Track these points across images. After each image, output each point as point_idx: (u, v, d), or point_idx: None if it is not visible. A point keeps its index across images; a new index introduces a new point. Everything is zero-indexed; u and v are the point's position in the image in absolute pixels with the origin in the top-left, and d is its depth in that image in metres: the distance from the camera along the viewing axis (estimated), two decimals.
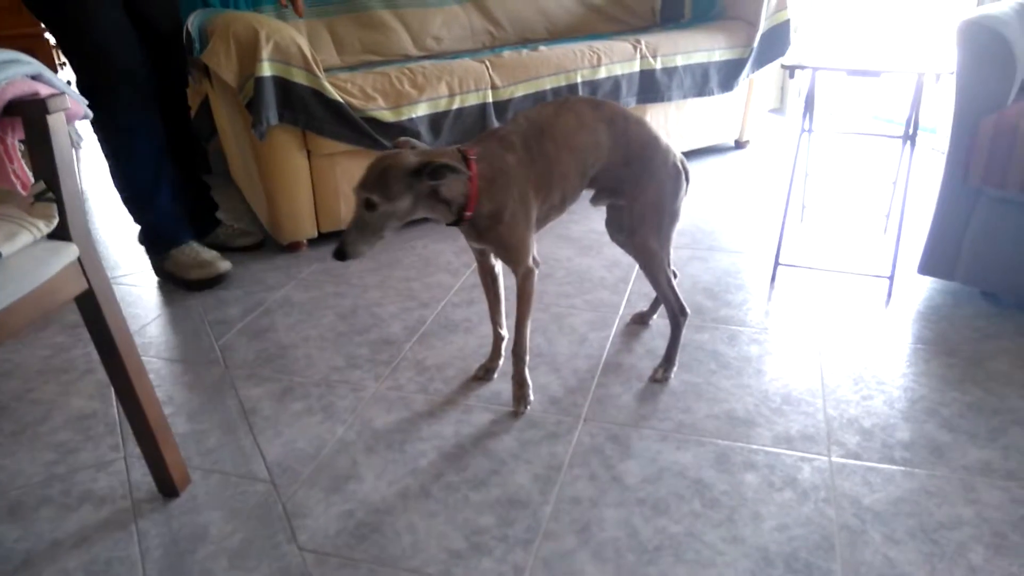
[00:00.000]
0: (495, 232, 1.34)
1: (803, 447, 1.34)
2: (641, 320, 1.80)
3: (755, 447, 1.34)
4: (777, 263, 1.99)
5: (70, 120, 1.11)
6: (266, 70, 1.92)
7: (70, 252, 1.05)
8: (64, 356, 1.72)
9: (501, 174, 1.31)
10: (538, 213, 1.40)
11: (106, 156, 1.90)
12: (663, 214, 1.46)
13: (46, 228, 1.03)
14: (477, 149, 1.31)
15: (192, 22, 2.10)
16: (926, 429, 1.38)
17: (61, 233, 1.05)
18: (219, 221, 2.25)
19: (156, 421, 1.21)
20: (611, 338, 1.73)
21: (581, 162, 1.40)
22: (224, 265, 2.02)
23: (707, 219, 2.41)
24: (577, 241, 2.27)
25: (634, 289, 1.96)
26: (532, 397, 1.49)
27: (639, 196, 1.45)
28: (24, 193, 1.09)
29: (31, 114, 1.00)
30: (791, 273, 2.01)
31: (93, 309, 1.11)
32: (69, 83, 1.13)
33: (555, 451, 1.35)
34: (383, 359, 1.67)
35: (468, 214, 1.30)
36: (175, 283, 2.02)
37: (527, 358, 1.49)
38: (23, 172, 1.12)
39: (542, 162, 1.36)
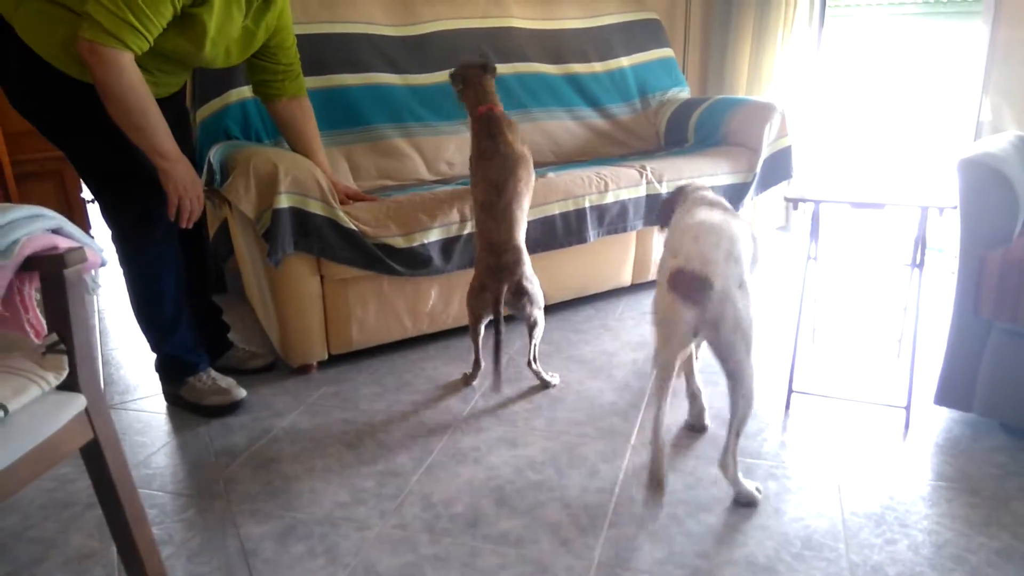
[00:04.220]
0: None
1: None
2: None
3: None
4: (791, 390, 1.96)
5: (87, 270, 1.14)
6: (283, 202, 1.98)
7: (78, 403, 1.05)
8: (68, 489, 1.70)
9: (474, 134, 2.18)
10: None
11: (129, 290, 1.93)
12: None
13: (55, 380, 1.04)
14: (496, 114, 2.17)
15: (214, 155, 2.20)
16: None
17: (70, 383, 1.06)
18: (231, 344, 2.27)
19: (154, 571, 1.17)
20: (623, 470, 1.69)
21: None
22: (240, 392, 2.01)
23: None
24: (588, 363, 2.26)
25: (646, 415, 1.93)
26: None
27: None
28: (38, 342, 1.11)
29: (48, 269, 1.04)
30: (805, 400, 1.98)
31: (97, 458, 1.11)
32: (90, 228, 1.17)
33: None
34: (389, 493, 1.63)
35: None
36: (190, 410, 2.02)
37: None
38: (37, 321, 1.14)
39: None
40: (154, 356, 2.03)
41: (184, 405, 2.02)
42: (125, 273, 1.92)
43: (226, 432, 1.92)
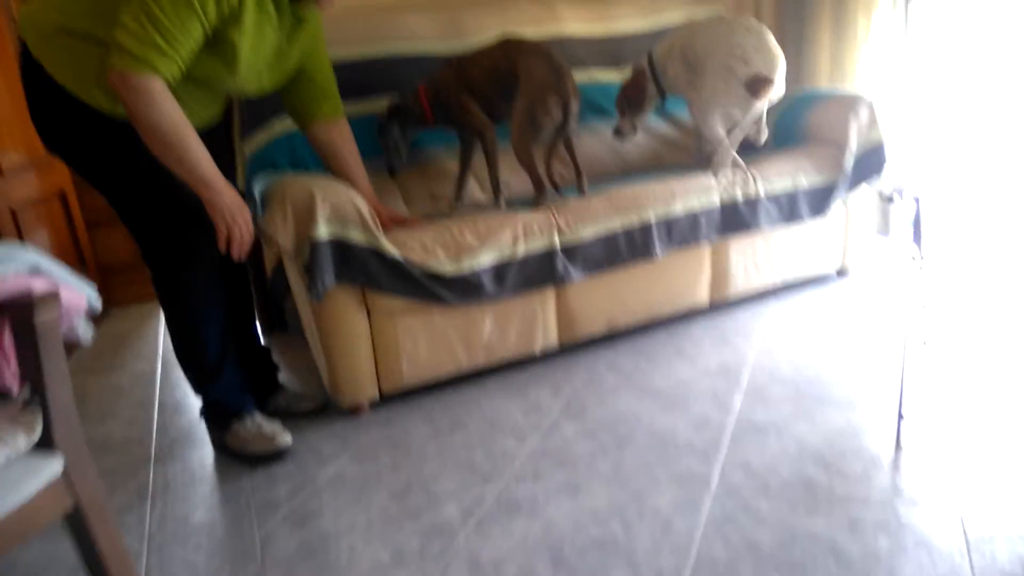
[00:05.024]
0: None
1: None
2: None
3: None
4: (901, 417, 1.67)
5: (72, 314, 1.03)
6: (322, 232, 1.87)
7: (53, 466, 0.93)
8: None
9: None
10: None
11: (171, 332, 1.85)
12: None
13: (25, 441, 0.91)
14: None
15: (256, 187, 2.12)
16: None
17: (46, 442, 0.94)
18: (280, 386, 2.16)
19: None
20: (702, 525, 1.45)
21: None
22: (286, 440, 1.89)
23: (811, 365, 2.11)
24: (661, 394, 2.02)
25: (727, 458, 1.67)
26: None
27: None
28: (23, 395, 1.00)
29: (17, 316, 0.92)
30: (920, 431, 1.68)
31: (82, 529, 0.98)
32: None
33: None
34: (433, 553, 1.45)
35: None
36: (234, 457, 1.91)
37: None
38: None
39: None
40: (199, 402, 1.94)
41: (229, 453, 1.92)
42: (167, 315, 1.84)
43: (269, 483, 1.79)
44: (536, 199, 2.24)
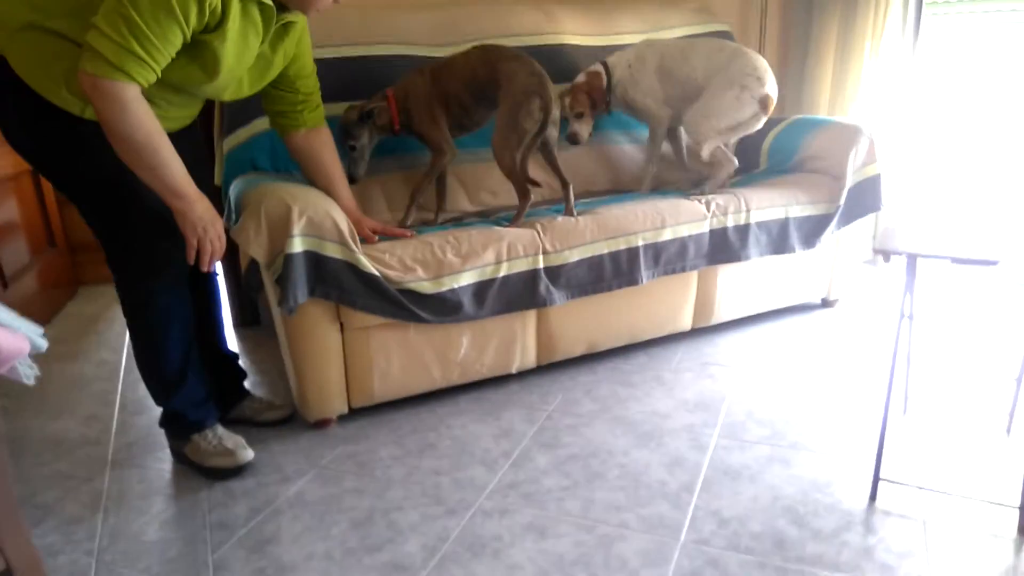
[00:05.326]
0: None
1: None
2: None
3: None
4: (878, 477, 1.64)
5: (11, 359, 0.96)
6: (297, 246, 1.80)
7: None
8: None
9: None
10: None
11: (133, 341, 1.77)
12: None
13: None
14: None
15: (233, 190, 2.04)
16: None
17: None
18: (246, 393, 2.10)
19: None
20: None
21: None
22: (247, 455, 1.83)
23: (789, 404, 2.08)
24: (636, 427, 1.98)
25: (699, 503, 1.64)
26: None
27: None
28: None
29: None
30: (896, 491, 1.66)
31: None
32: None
33: None
34: None
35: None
36: (192, 469, 1.85)
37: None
38: None
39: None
40: (159, 411, 1.88)
41: (188, 463, 1.86)
42: (129, 322, 1.77)
43: (227, 499, 1.74)
44: (519, 208, 2.18)
